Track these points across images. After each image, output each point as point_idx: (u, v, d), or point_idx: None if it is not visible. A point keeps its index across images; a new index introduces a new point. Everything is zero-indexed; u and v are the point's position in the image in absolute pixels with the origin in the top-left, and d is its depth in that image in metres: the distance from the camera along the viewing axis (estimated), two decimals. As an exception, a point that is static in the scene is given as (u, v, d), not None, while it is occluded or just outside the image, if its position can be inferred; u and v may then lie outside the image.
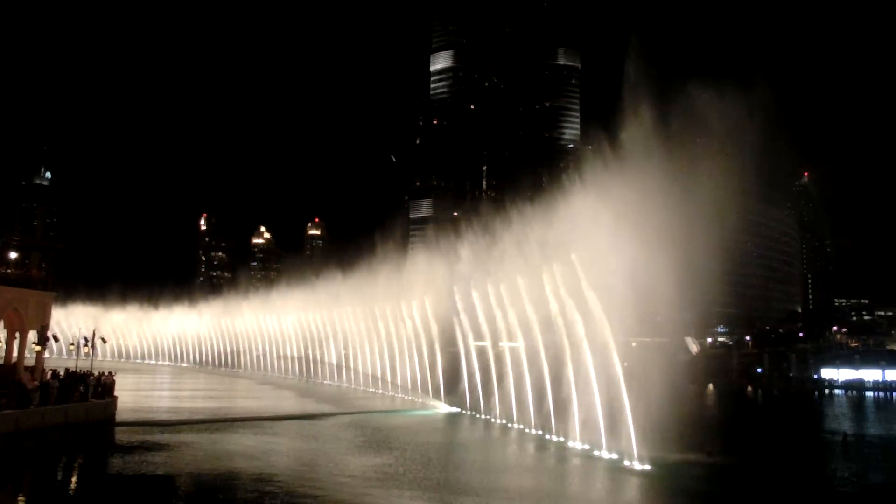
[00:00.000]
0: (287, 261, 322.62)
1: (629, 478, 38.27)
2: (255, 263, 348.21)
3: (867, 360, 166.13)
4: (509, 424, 58.23)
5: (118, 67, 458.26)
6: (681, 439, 40.51)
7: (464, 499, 32.61)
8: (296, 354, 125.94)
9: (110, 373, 59.09)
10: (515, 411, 58.18)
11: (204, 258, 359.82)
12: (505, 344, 62.15)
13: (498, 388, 62.01)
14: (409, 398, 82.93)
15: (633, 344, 48.32)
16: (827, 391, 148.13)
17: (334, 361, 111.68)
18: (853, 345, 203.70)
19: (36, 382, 50.38)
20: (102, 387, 55.38)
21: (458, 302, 68.93)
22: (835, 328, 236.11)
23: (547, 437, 51.21)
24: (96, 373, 57.86)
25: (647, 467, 39.76)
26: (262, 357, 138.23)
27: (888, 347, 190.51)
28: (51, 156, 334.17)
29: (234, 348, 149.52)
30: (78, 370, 58.86)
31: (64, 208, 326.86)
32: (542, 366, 53.99)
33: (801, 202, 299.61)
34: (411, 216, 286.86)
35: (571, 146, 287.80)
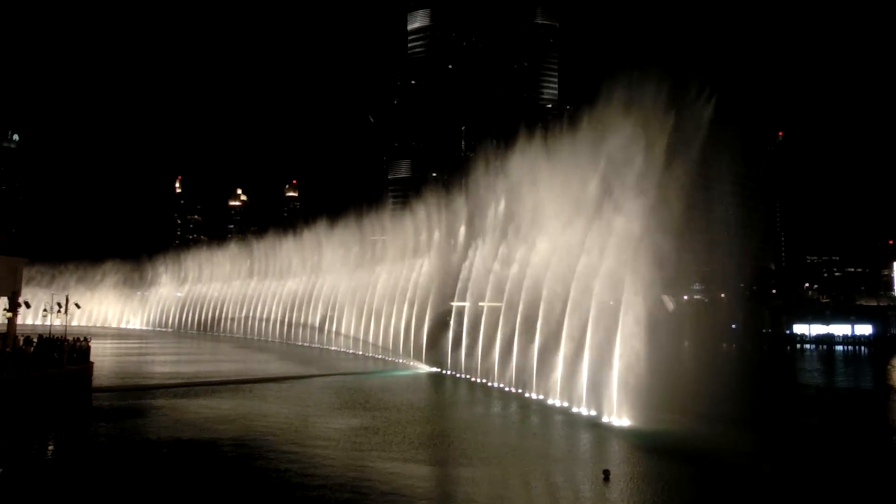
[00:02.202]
0: (265, 223, 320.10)
1: (607, 434, 38.83)
2: (231, 226, 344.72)
3: (837, 315, 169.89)
4: (490, 384, 58.77)
5: (90, 28, 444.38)
6: (658, 395, 41.02)
7: (444, 455, 32.97)
8: (276, 317, 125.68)
9: (85, 338, 58.35)
10: (497, 370, 58.71)
11: (180, 221, 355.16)
12: (486, 304, 62.40)
13: (479, 347, 62.47)
14: (391, 359, 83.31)
15: (611, 302, 48.69)
16: (799, 346, 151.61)
17: (315, 324, 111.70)
18: (824, 301, 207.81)
19: (8, 349, 49.64)
20: (78, 352, 54.71)
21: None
22: (807, 285, 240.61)
23: (528, 395, 51.76)
24: (71, 338, 57.16)
25: (627, 423, 40.41)
26: (241, 320, 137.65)
27: (858, 303, 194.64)
28: (19, 118, 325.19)
29: (213, 312, 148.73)
30: (52, 336, 58.05)
31: (33, 172, 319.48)
32: (527, 325, 54.29)
33: (775, 161, 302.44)
34: (390, 177, 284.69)
35: (550, 106, 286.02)
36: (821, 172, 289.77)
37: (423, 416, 45.61)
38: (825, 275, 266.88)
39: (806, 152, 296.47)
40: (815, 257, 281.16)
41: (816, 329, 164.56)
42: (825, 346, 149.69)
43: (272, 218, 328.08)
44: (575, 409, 45.03)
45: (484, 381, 60.26)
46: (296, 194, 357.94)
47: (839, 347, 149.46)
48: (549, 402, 48.30)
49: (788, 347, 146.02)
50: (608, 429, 39.98)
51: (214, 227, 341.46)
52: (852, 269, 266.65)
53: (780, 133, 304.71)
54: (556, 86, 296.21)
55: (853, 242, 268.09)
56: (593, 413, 43.32)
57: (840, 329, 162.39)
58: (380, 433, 37.73)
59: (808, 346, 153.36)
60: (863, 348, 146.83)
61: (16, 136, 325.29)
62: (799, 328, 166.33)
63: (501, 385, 56.95)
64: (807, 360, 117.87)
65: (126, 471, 30.50)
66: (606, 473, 28.76)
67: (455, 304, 70.26)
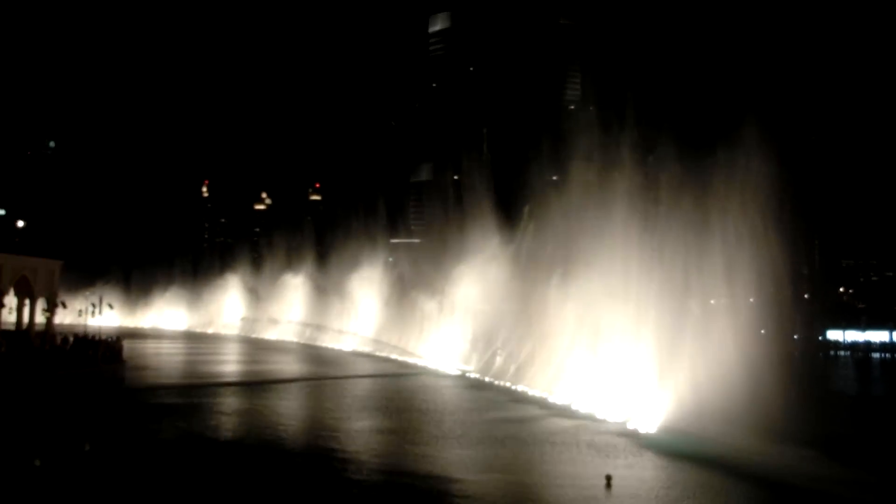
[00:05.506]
0: (289, 226, 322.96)
1: (627, 440, 38.27)
2: (257, 229, 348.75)
3: (874, 321, 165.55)
4: (514, 387, 58.50)
5: (122, 39, 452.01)
6: (687, 402, 40.45)
7: (462, 454, 33.15)
8: (298, 320, 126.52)
9: (118, 338, 59.74)
10: (523, 373, 58.49)
11: (207, 224, 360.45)
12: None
13: (506, 350, 62.49)
14: (413, 361, 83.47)
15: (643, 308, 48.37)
16: (832, 352, 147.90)
17: (339, 326, 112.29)
18: (860, 306, 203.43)
19: (47, 347, 51.01)
20: (111, 351, 56.03)
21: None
22: (842, 289, 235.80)
23: (554, 401, 51.20)
24: (105, 338, 58.51)
25: (652, 431, 39.90)
26: (264, 322, 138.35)
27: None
28: (54, 125, 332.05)
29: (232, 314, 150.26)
30: (87, 335, 59.48)
31: (69, 177, 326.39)
32: (558, 329, 54.09)
33: (809, 162, 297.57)
34: (411, 180, 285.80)
35: (573, 107, 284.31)
36: (857, 173, 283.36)
37: (447, 419, 45.41)
38: (861, 279, 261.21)
39: (843, 152, 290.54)
40: (850, 261, 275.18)
41: (851, 335, 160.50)
42: (860, 353, 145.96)
43: (296, 221, 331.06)
44: (600, 415, 44.73)
45: (508, 384, 60.05)
46: (319, 198, 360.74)
47: (875, 355, 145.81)
48: (574, 407, 48.06)
49: (821, 354, 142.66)
50: (630, 435, 39.64)
51: (240, 231, 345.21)
52: (891, 274, 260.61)
53: (815, 133, 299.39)
54: (579, 87, 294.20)
55: (891, 246, 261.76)
56: (619, 419, 43.02)
57: (877, 336, 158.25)
58: (416, 433, 38.06)
59: (842, 352, 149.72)
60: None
61: (52, 143, 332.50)
62: (833, 334, 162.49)
63: (527, 388, 56.57)
64: (842, 367, 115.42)
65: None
66: (609, 479, 28.66)
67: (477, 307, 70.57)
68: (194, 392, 53.36)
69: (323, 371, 73.44)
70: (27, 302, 59.33)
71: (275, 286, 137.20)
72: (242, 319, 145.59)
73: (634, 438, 38.73)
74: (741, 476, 31.20)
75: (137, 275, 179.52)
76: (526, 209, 65.43)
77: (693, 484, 30.19)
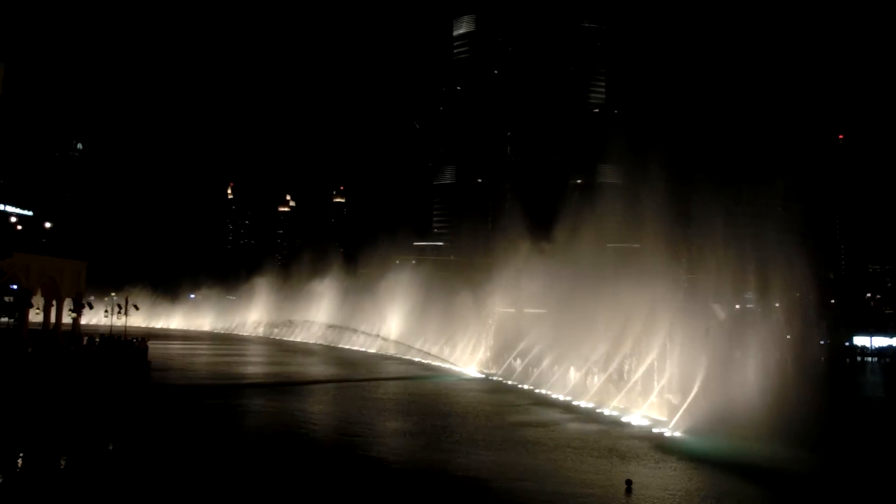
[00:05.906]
0: (312, 228, 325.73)
1: (650, 445, 37.81)
2: (281, 231, 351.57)
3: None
4: (538, 391, 58.22)
5: (148, 42, 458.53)
6: (711, 407, 39.99)
7: (483, 458, 33.01)
8: (323, 322, 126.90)
9: (143, 339, 60.42)
10: (547, 377, 58.19)
11: (231, 226, 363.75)
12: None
13: (528, 354, 62.24)
14: (437, 364, 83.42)
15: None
16: (859, 358, 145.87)
17: (364, 329, 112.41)
18: (888, 311, 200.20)
19: (73, 348, 51.72)
20: (136, 352, 56.70)
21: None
22: (868, 294, 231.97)
23: (579, 405, 50.93)
24: (130, 339, 59.21)
25: (676, 435, 39.51)
26: (288, 324, 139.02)
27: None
28: (82, 127, 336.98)
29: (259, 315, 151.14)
30: (113, 336, 60.22)
31: (95, 178, 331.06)
32: (583, 333, 53.74)
33: (835, 165, 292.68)
34: (435, 183, 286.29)
35: (597, 110, 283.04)
36: (884, 176, 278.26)
37: (466, 422, 45.43)
38: (889, 285, 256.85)
39: (868, 155, 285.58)
40: (877, 266, 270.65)
41: (879, 341, 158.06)
42: (888, 359, 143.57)
43: (320, 223, 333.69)
44: (625, 419, 44.40)
45: (530, 387, 59.80)
46: (343, 200, 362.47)
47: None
48: (599, 411, 47.70)
49: (848, 360, 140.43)
50: (655, 439, 39.26)
51: (264, 232, 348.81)
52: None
53: (841, 136, 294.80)
54: (604, 90, 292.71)
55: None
56: (644, 423, 42.67)
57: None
58: (437, 435, 37.95)
59: (869, 358, 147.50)
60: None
61: (79, 145, 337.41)
62: (860, 340, 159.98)
63: (550, 392, 56.29)
64: (869, 373, 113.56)
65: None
66: (629, 484, 28.39)
67: (500, 309, 70.27)
68: (219, 393, 53.84)
69: (348, 373, 73.67)
70: (54, 302, 60.16)
71: (299, 288, 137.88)
72: (267, 322, 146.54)
73: (658, 443, 38.33)
74: (764, 482, 30.76)
75: (163, 276, 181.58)
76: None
77: (715, 490, 29.83)
